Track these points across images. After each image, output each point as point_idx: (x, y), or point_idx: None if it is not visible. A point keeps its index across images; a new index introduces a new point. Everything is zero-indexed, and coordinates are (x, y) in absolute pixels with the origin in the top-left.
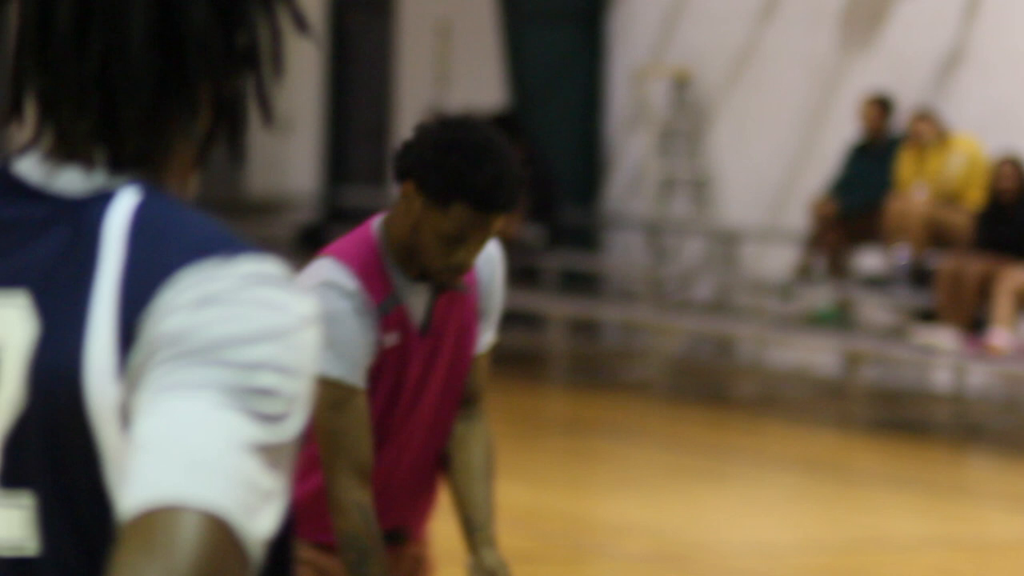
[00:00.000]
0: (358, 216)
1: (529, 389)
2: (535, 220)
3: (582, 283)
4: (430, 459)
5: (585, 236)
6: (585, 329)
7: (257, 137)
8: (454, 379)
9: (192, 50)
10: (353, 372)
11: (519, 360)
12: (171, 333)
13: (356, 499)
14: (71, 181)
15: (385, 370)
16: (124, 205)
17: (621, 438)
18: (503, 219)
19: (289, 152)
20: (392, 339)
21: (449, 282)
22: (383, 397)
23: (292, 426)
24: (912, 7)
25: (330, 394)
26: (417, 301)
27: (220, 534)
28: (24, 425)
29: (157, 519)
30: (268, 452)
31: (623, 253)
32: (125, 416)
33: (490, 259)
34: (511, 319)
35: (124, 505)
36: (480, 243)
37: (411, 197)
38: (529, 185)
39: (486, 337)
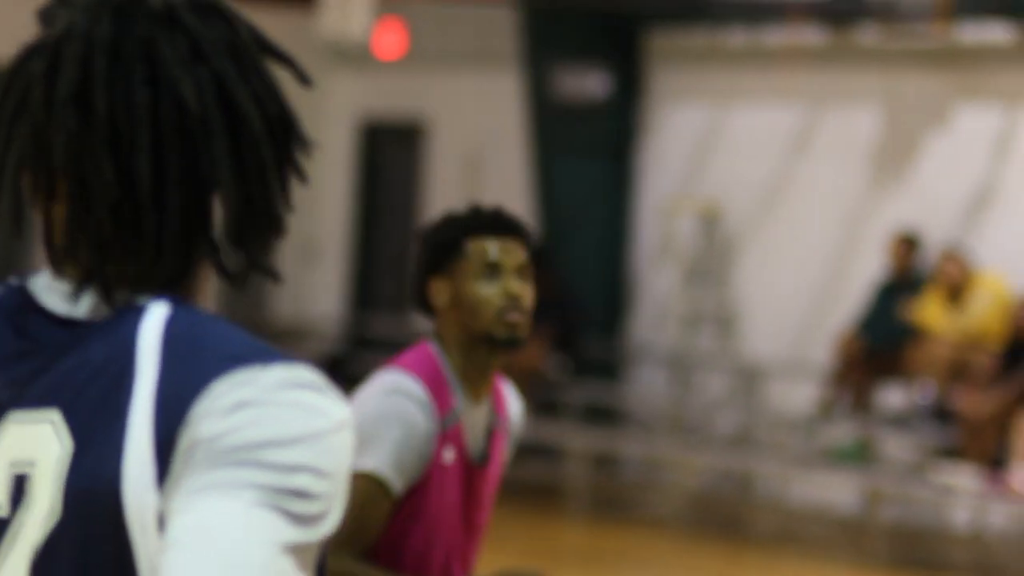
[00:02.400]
0: (383, 344)
1: (548, 521)
2: (559, 351)
3: (604, 416)
4: None
5: (609, 368)
6: (606, 462)
7: (284, 263)
8: (488, 515)
9: (143, 195)
10: (397, 478)
11: (538, 492)
12: (207, 436)
13: (346, 553)
14: (95, 304)
15: (439, 488)
16: (155, 319)
17: (639, 572)
18: (524, 251)
19: (315, 279)
20: (450, 456)
21: (515, 330)
22: (431, 517)
23: (325, 527)
24: (942, 145)
25: (370, 490)
26: (475, 426)
27: None
28: (56, 540)
29: None
30: (300, 552)
31: (646, 386)
32: (164, 522)
33: (518, 409)
34: (531, 451)
35: None
36: (517, 275)
37: (440, 290)
38: (555, 316)
39: None
